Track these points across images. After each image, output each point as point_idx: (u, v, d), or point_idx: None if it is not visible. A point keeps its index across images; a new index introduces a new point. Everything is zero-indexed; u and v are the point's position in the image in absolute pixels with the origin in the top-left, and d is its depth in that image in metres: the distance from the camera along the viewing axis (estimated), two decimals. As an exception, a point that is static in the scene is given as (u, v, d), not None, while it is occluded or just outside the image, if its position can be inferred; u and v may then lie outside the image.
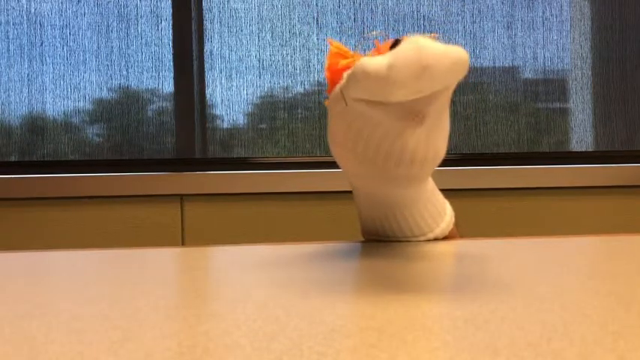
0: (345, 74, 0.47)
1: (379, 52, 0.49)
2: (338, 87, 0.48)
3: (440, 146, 0.49)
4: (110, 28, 1.65)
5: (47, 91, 1.64)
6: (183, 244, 1.53)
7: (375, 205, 0.55)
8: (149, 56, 1.65)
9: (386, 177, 0.50)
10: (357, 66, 0.41)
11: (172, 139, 1.66)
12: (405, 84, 0.39)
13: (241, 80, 1.67)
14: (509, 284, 0.37)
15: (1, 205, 1.50)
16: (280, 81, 1.68)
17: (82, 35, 1.65)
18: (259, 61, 1.67)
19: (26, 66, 1.64)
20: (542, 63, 1.73)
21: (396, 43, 0.44)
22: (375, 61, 0.40)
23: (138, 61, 1.65)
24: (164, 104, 1.66)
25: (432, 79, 0.39)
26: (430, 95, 0.44)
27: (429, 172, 0.51)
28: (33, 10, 1.64)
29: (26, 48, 1.64)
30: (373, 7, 1.69)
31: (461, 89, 1.70)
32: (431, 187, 0.57)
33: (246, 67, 1.67)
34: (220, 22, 1.67)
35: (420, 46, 0.38)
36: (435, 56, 0.38)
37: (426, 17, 1.70)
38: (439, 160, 0.50)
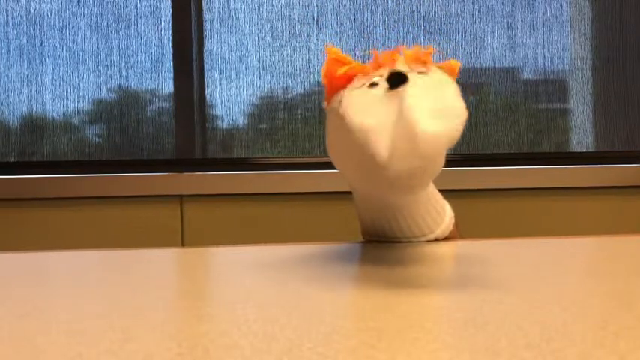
0: (349, 86, 0.47)
1: (378, 64, 0.49)
2: (337, 100, 0.47)
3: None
4: (110, 29, 1.65)
5: (47, 92, 1.64)
6: (183, 244, 1.53)
7: (375, 206, 0.55)
8: (149, 56, 1.65)
9: (385, 184, 0.50)
10: (359, 131, 0.43)
11: (172, 140, 1.65)
12: (401, 171, 0.42)
13: (241, 81, 1.67)
14: (509, 284, 0.37)
15: (1, 206, 1.50)
16: (280, 81, 1.67)
17: (81, 35, 1.65)
18: (259, 61, 1.67)
19: (26, 66, 1.64)
20: (542, 63, 1.73)
21: (391, 78, 0.45)
22: (376, 143, 0.42)
23: (137, 62, 1.65)
24: (164, 105, 1.66)
25: (427, 160, 0.41)
26: None
27: (428, 180, 0.51)
28: (33, 11, 1.64)
29: (26, 48, 1.64)
30: (373, 8, 1.69)
31: (461, 90, 1.70)
32: (430, 189, 0.57)
33: (245, 68, 1.67)
34: (220, 23, 1.67)
35: (417, 138, 0.39)
36: (432, 145, 0.39)
37: (426, 17, 1.70)
38: (439, 169, 0.50)
